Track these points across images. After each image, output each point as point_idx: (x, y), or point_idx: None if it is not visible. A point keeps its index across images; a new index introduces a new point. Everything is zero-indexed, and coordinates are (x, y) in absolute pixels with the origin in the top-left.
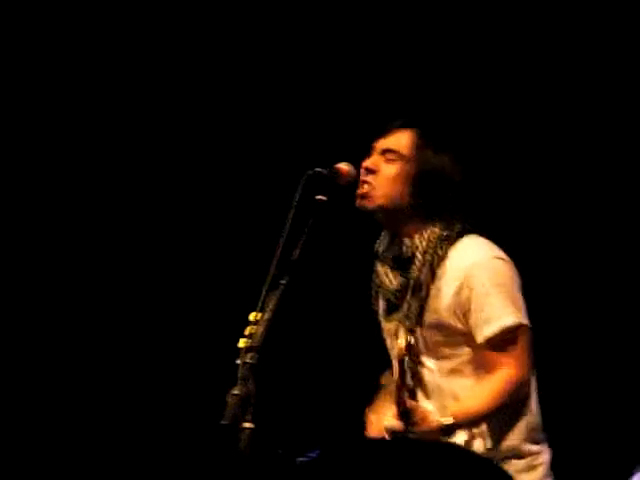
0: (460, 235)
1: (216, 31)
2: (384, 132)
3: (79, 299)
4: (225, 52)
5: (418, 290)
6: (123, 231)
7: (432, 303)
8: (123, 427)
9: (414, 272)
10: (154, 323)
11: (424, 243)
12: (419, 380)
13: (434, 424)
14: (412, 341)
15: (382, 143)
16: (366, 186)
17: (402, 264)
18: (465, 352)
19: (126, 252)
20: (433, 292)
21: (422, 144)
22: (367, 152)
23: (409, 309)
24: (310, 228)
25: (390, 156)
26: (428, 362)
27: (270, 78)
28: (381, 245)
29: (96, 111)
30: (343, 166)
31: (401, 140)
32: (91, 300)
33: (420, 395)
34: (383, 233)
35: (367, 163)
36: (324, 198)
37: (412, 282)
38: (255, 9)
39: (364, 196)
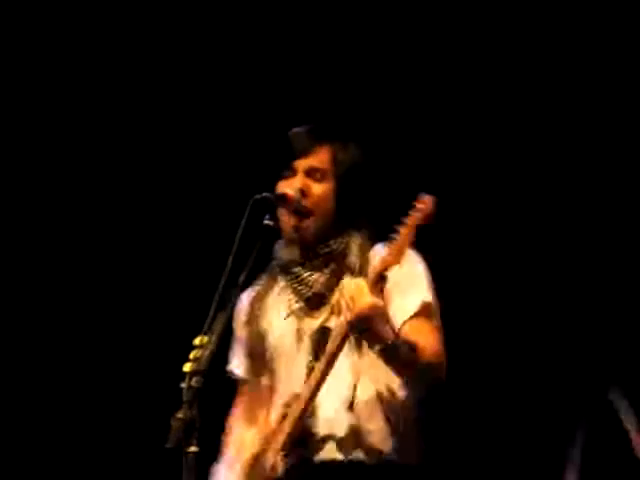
0: (374, 239)
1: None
2: (301, 151)
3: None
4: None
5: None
6: (70, 247)
7: None
8: (67, 448)
9: (352, 260)
10: (98, 346)
11: (354, 239)
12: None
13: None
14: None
15: (305, 162)
16: (302, 219)
17: (331, 260)
18: None
19: (72, 268)
20: None
21: (340, 155)
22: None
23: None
24: (257, 252)
25: (317, 175)
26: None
27: (213, 99)
28: (285, 254)
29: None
30: (289, 191)
31: (323, 156)
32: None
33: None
34: (279, 243)
35: (299, 185)
36: (271, 223)
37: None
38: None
39: (301, 229)
